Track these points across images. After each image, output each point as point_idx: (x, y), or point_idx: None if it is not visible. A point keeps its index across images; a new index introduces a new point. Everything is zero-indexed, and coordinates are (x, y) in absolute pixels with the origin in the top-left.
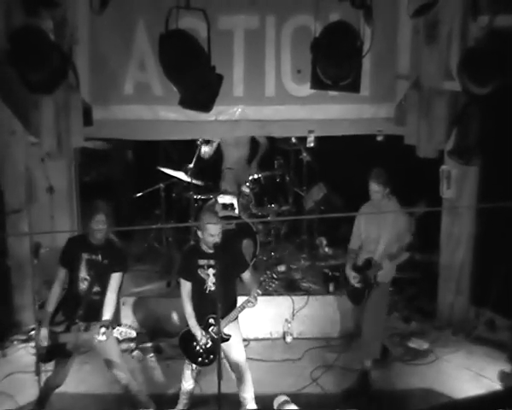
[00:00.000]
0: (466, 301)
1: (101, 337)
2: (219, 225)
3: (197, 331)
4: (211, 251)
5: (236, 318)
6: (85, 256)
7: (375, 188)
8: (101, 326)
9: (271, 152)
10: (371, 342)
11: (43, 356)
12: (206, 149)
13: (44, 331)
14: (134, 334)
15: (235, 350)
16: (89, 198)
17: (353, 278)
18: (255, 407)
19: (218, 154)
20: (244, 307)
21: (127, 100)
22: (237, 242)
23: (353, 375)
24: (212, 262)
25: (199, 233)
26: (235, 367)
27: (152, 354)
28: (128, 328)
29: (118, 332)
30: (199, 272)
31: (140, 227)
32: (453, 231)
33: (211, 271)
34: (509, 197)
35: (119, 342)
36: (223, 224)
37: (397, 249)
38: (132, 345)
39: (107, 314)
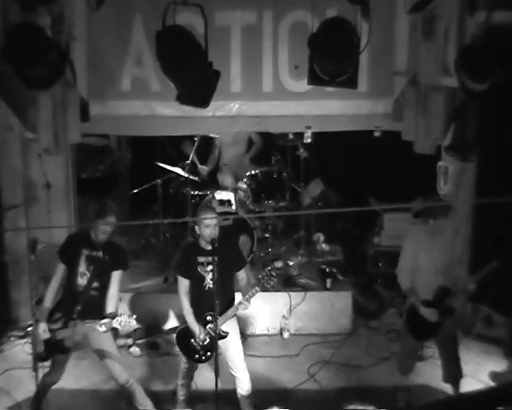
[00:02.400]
0: (463, 296)
1: (102, 328)
2: (215, 217)
3: (195, 328)
4: (209, 248)
5: (234, 316)
6: (85, 252)
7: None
8: (104, 317)
9: (268, 148)
10: (458, 365)
11: (41, 356)
12: (203, 168)
13: (43, 326)
14: (134, 323)
15: (232, 347)
16: (90, 196)
17: (432, 315)
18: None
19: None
20: (237, 309)
21: (124, 96)
22: (235, 239)
23: (350, 371)
24: (210, 259)
25: (196, 229)
26: (233, 364)
27: (149, 350)
28: (128, 317)
29: (117, 322)
30: (198, 270)
31: (137, 222)
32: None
33: (210, 268)
34: (506, 193)
35: (118, 334)
36: (219, 217)
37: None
38: (129, 341)
39: (111, 308)
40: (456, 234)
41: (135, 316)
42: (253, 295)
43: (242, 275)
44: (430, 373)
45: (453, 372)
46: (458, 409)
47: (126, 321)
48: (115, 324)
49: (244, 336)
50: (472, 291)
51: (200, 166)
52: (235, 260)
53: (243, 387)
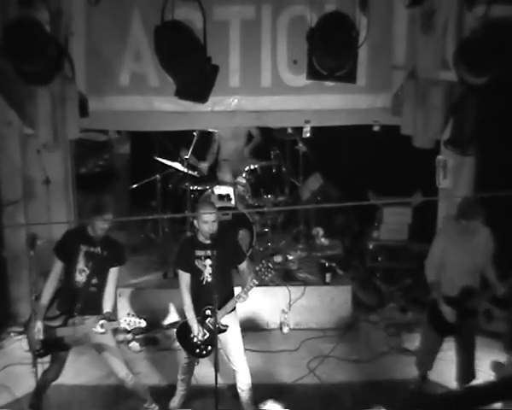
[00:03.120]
0: None
1: (100, 330)
2: (214, 213)
3: (194, 324)
4: (208, 242)
5: (233, 309)
6: (84, 248)
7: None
8: (101, 318)
9: (268, 143)
10: (473, 367)
11: (40, 351)
12: (203, 165)
13: (39, 324)
14: (144, 324)
15: (232, 341)
16: (89, 191)
17: (451, 314)
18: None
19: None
20: (236, 301)
21: (123, 91)
22: (234, 232)
23: (350, 365)
24: (209, 253)
25: (195, 223)
26: (233, 358)
27: (149, 346)
28: (137, 317)
29: (126, 323)
30: (196, 263)
31: (136, 218)
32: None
33: (208, 262)
34: (505, 187)
35: (128, 332)
36: (218, 212)
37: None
38: (129, 336)
39: (108, 307)
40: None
41: (144, 316)
42: (251, 288)
43: (243, 268)
44: (442, 370)
45: (467, 373)
46: (460, 403)
47: (136, 321)
48: (124, 324)
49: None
50: (502, 296)
51: (199, 163)
52: (234, 254)
53: (243, 381)
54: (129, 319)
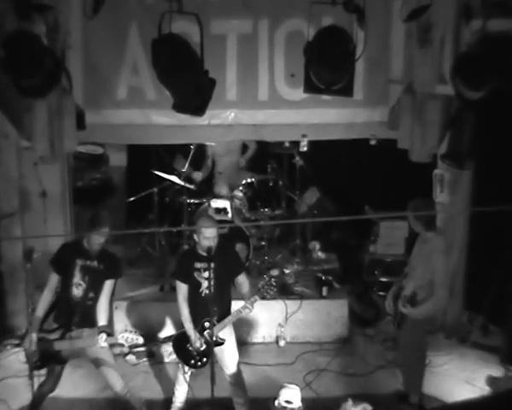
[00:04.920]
0: (459, 305)
1: (104, 343)
2: (215, 228)
3: (192, 333)
4: (207, 254)
5: (231, 323)
6: (80, 262)
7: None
8: (100, 332)
9: (264, 156)
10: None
11: (37, 363)
12: (197, 174)
13: (34, 336)
14: (141, 340)
15: (228, 354)
16: (86, 204)
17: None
18: None
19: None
20: (241, 313)
21: (120, 104)
22: (232, 245)
23: (346, 379)
24: (208, 265)
25: (195, 237)
26: (229, 371)
27: (145, 359)
28: (134, 334)
29: (123, 339)
30: (195, 275)
31: (133, 231)
32: (446, 235)
33: (207, 274)
34: (502, 201)
35: (122, 347)
36: (217, 227)
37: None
38: (125, 349)
39: (103, 320)
40: (448, 256)
41: (142, 333)
42: (254, 302)
43: (242, 279)
44: (426, 381)
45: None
46: None
47: (133, 338)
48: (121, 340)
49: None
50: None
51: (194, 172)
52: (233, 267)
53: (239, 394)
54: (126, 336)
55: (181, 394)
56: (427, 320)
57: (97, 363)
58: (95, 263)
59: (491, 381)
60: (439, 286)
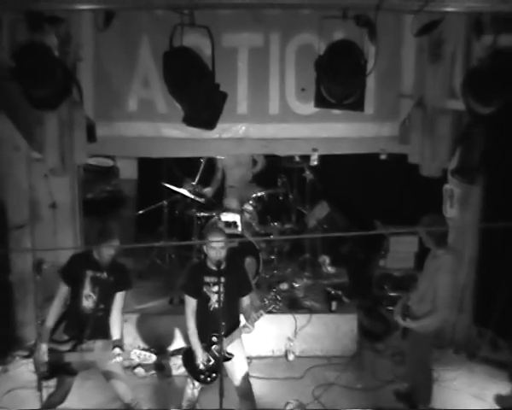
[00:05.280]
0: (468, 319)
1: (119, 358)
2: (222, 239)
3: (198, 350)
4: (216, 268)
5: (239, 337)
6: (90, 274)
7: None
8: (114, 347)
9: (275, 170)
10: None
11: (46, 374)
12: (207, 190)
13: (44, 346)
14: (154, 358)
15: (237, 368)
16: (96, 216)
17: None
18: None
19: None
20: (241, 332)
21: (131, 117)
22: (242, 263)
23: (355, 394)
24: (217, 280)
25: (204, 249)
26: (238, 385)
27: (154, 371)
28: (147, 351)
29: (135, 355)
30: (204, 290)
31: (143, 245)
32: (456, 253)
33: (216, 288)
34: None
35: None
36: (225, 240)
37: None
38: (134, 362)
39: (117, 334)
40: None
41: (154, 350)
42: (258, 318)
43: (246, 301)
44: (434, 396)
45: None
46: None
47: (146, 355)
48: (133, 356)
49: (249, 357)
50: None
51: (203, 189)
52: (241, 285)
53: (247, 407)
54: (139, 352)
55: (189, 407)
56: (430, 335)
57: (108, 375)
58: (105, 275)
59: (500, 399)
60: (440, 303)
